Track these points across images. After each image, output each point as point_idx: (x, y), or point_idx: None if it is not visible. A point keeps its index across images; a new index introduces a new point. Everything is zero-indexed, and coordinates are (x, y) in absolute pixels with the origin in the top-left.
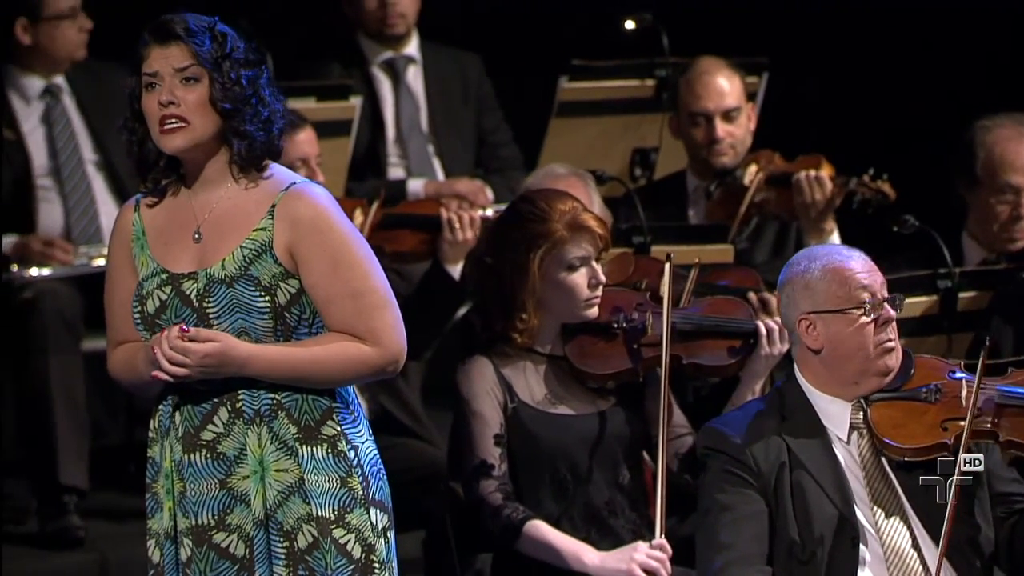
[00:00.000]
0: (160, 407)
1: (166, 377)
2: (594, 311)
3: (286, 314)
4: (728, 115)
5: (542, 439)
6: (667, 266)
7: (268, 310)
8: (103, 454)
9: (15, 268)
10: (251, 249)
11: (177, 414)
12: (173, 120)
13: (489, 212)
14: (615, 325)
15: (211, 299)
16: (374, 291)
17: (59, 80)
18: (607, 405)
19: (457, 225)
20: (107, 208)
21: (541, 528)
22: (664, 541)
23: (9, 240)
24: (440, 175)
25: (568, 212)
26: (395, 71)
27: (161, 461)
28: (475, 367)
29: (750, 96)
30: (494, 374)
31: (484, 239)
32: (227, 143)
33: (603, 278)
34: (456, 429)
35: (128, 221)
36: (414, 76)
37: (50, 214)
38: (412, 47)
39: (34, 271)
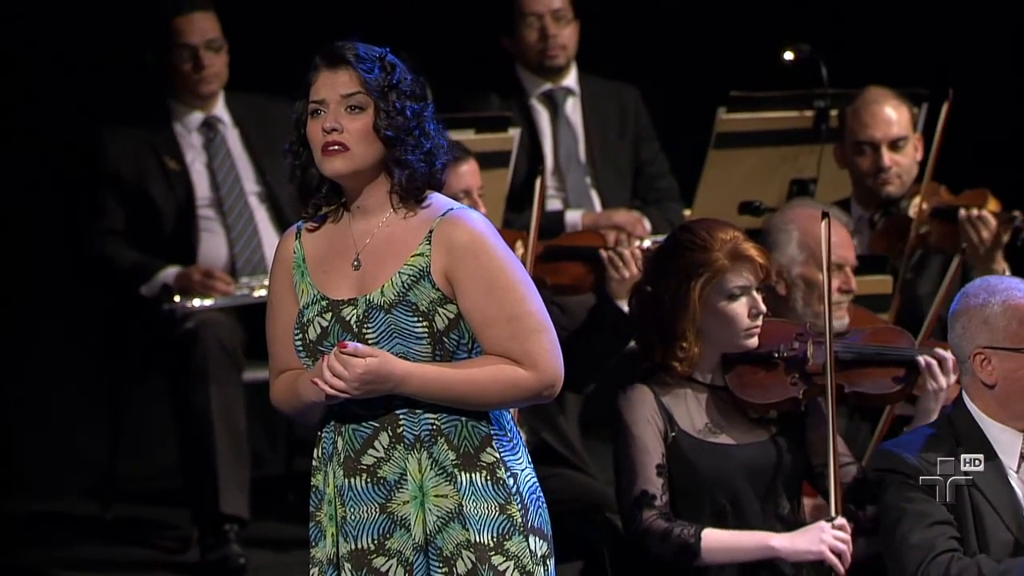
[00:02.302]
0: (323, 434)
1: (324, 386)
2: (754, 341)
3: (444, 339)
4: (895, 144)
5: (702, 468)
6: (823, 223)
7: (426, 335)
8: (263, 484)
9: (177, 299)
10: (409, 275)
11: (339, 439)
12: (335, 146)
13: (647, 243)
14: (775, 355)
15: (370, 325)
16: (531, 315)
17: (219, 112)
18: (768, 435)
19: (619, 263)
20: (270, 239)
21: (716, 534)
22: (845, 521)
23: (172, 271)
24: (597, 206)
25: (729, 241)
26: (554, 103)
27: (324, 488)
28: (636, 396)
29: (914, 127)
30: (655, 403)
31: (644, 268)
32: (388, 172)
33: (763, 307)
34: (617, 459)
35: (289, 249)
36: (573, 108)
37: (213, 244)
38: (571, 79)
39: (196, 301)
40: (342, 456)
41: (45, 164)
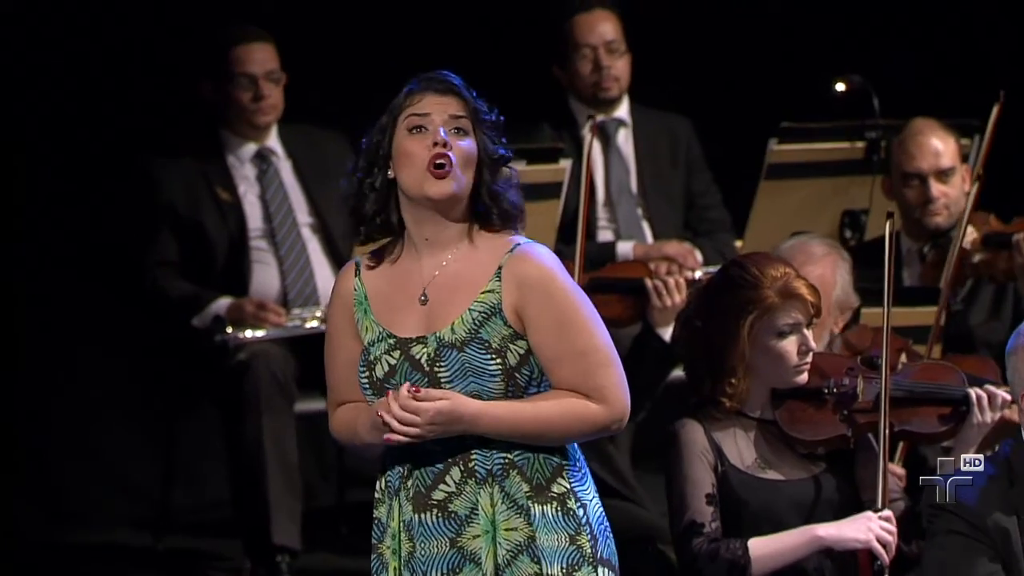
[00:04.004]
0: (390, 467)
1: (399, 438)
2: (803, 377)
3: (516, 375)
4: (942, 175)
5: (751, 503)
6: (888, 223)
7: (499, 372)
8: (315, 515)
9: (230, 330)
10: (480, 312)
11: (408, 474)
12: (445, 163)
13: (698, 274)
14: (825, 391)
15: (442, 363)
16: (599, 350)
17: (272, 144)
18: (817, 471)
19: (664, 291)
20: (322, 271)
21: (763, 540)
22: (891, 513)
23: (224, 302)
24: (649, 238)
25: (780, 279)
26: (605, 134)
27: (388, 522)
28: (686, 431)
29: (963, 158)
30: (705, 437)
31: (694, 302)
32: (475, 200)
33: (813, 345)
34: (669, 494)
35: (349, 285)
36: (624, 139)
37: (266, 276)
38: (623, 110)
39: (248, 332)
40: (411, 491)
41: (99, 194)
